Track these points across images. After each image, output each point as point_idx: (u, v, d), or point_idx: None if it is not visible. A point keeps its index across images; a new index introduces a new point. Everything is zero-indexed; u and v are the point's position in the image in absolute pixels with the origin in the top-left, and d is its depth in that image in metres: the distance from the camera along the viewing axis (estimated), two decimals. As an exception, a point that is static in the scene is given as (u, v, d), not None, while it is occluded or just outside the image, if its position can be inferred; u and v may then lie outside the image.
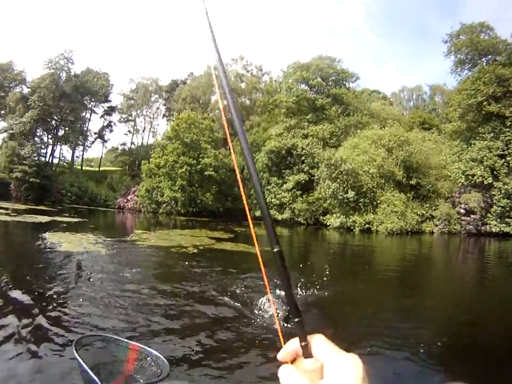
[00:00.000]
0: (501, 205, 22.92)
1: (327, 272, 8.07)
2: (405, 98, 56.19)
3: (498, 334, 5.31)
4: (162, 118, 52.38)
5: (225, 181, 32.88)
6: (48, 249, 10.51)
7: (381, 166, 25.48)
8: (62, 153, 49.94)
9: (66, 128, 47.72)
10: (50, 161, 47.02)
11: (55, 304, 5.39)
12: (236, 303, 6.05)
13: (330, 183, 25.40)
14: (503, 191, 22.90)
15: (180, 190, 30.89)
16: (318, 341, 0.48)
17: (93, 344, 2.35)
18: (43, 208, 28.67)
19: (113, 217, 30.85)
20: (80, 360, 2.00)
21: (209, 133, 34.14)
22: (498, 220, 22.97)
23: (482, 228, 23.65)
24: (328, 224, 26.04)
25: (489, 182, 23.22)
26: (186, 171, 31.31)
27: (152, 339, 4.36)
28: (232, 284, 7.48)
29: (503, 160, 23.22)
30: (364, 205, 24.89)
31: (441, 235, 23.64)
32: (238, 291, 6.84)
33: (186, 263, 10.07)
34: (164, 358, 2.20)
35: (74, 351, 2.07)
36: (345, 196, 24.80)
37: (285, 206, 29.65)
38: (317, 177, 27.80)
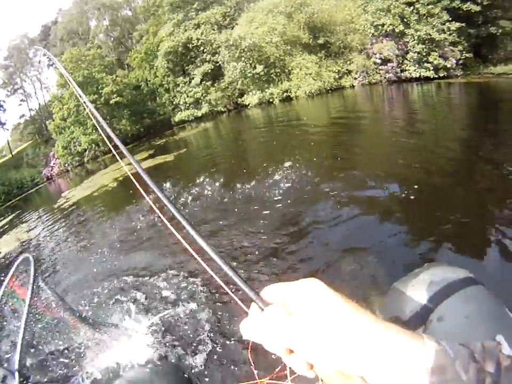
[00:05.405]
0: (417, 50, 22.21)
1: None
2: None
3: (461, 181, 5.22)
4: (48, 68, 46.97)
5: (134, 101, 31.44)
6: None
7: (283, 33, 24.42)
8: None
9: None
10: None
11: None
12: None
13: (236, 64, 24.53)
14: (416, 38, 22.21)
15: (94, 131, 29.06)
16: (269, 289, 0.45)
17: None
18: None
19: (46, 192, 28.89)
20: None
21: (99, 61, 31.31)
22: (417, 66, 22.41)
23: (402, 74, 23.15)
24: (247, 104, 25.90)
25: (401, 29, 22.52)
26: (92, 109, 29.21)
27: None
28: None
29: (412, 7, 22.28)
30: (276, 75, 24.46)
31: (363, 87, 23.59)
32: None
33: (107, 201, 10.97)
34: None
35: None
36: (254, 71, 24.17)
37: (200, 100, 29.07)
38: (221, 62, 26.78)
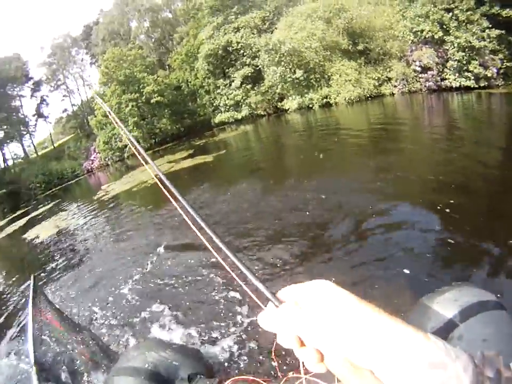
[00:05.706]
0: (456, 58, 21.68)
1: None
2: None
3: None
4: (91, 66, 48.82)
5: (175, 101, 32.30)
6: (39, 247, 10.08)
7: (323, 38, 24.53)
8: (13, 152, 46.21)
9: (4, 127, 43.72)
10: (5, 166, 43.77)
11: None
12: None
13: (276, 68, 24.96)
14: (456, 45, 21.67)
15: (134, 128, 30.26)
16: (284, 290, 0.48)
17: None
18: (19, 212, 25.63)
19: (85, 184, 29.77)
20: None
21: (140, 61, 32.33)
22: (457, 74, 21.93)
23: (442, 83, 22.71)
24: (287, 108, 26.20)
25: (440, 36, 22.15)
26: (134, 107, 30.33)
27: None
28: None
29: (451, 13, 21.82)
30: (316, 80, 24.66)
31: (402, 95, 23.29)
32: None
33: (146, 197, 11.10)
34: None
35: None
36: (294, 76, 24.52)
37: (240, 103, 29.55)
38: (261, 66, 27.18)
